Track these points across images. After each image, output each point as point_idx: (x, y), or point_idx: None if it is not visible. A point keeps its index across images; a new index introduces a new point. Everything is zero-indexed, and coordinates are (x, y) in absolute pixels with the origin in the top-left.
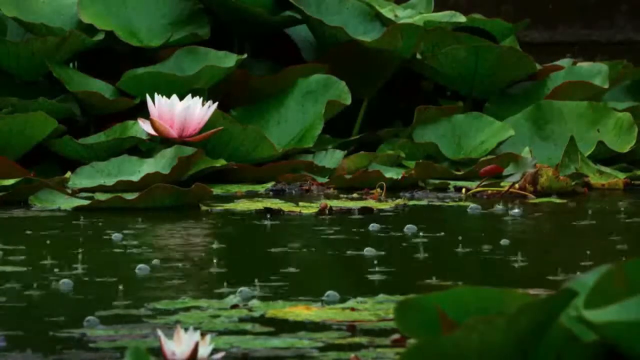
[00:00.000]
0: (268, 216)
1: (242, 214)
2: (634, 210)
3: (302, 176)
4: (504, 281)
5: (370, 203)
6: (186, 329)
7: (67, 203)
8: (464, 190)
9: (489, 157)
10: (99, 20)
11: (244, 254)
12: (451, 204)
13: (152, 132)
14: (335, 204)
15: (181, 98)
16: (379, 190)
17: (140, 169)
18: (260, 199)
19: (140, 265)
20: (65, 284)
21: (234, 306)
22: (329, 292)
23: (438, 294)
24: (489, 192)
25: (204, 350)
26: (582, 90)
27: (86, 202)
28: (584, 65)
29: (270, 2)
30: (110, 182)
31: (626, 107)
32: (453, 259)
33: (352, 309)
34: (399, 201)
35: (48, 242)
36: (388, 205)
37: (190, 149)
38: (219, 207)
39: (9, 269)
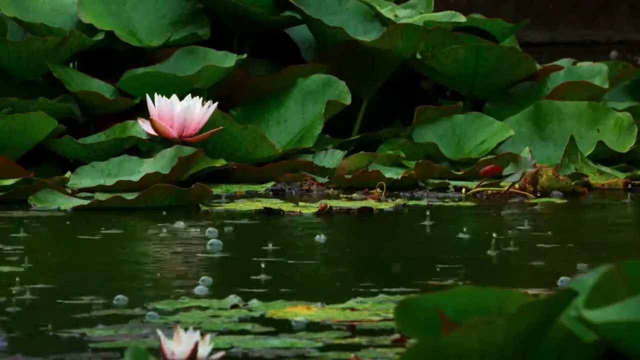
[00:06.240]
0: (267, 216)
1: (242, 214)
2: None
3: (302, 176)
4: (505, 281)
5: (370, 203)
6: (186, 329)
7: (66, 203)
8: (463, 190)
9: (489, 157)
10: (99, 20)
11: (243, 254)
12: (451, 204)
13: (152, 132)
14: (335, 204)
15: (181, 98)
16: (378, 190)
17: (140, 168)
18: (260, 199)
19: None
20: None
21: (234, 306)
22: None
23: (438, 294)
24: (489, 192)
25: (203, 350)
26: (582, 90)
27: (86, 202)
28: (584, 65)
29: (270, 2)
30: (110, 182)
31: (626, 107)
32: (454, 259)
33: (352, 309)
34: (399, 201)
35: (48, 242)
36: (388, 205)
37: (190, 148)
38: (219, 207)
39: (8, 269)
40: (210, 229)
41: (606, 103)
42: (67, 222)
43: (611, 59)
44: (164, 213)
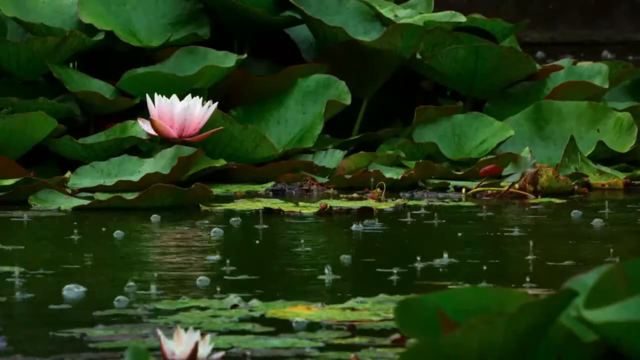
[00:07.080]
0: (267, 216)
1: (242, 214)
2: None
3: (302, 176)
4: (504, 281)
5: (370, 203)
6: (186, 329)
7: (67, 203)
8: (463, 190)
9: (489, 157)
10: (99, 20)
11: (243, 254)
12: (451, 204)
13: (152, 132)
14: (335, 204)
15: (181, 98)
16: (378, 190)
17: (140, 168)
18: (260, 199)
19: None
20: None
21: (234, 306)
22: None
23: (438, 294)
24: (489, 192)
25: (203, 350)
26: (582, 90)
27: (86, 202)
28: (584, 65)
29: (270, 2)
30: (110, 182)
31: (626, 107)
32: (454, 259)
33: (352, 309)
34: (399, 201)
35: (48, 242)
36: (388, 205)
37: (190, 148)
38: (219, 207)
39: (8, 269)
40: (215, 229)
41: (606, 103)
42: (67, 222)
43: (603, 59)
44: (165, 213)
